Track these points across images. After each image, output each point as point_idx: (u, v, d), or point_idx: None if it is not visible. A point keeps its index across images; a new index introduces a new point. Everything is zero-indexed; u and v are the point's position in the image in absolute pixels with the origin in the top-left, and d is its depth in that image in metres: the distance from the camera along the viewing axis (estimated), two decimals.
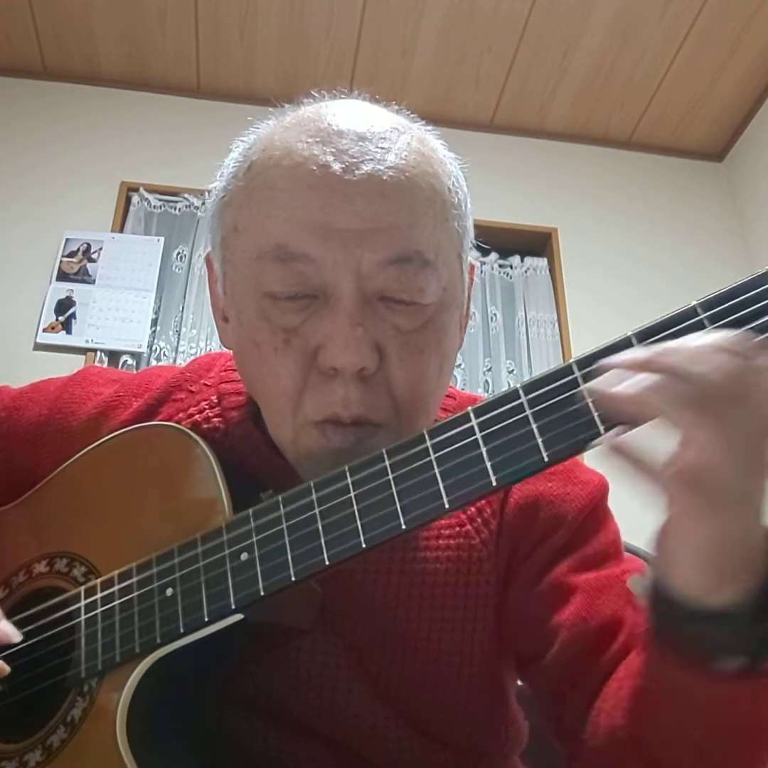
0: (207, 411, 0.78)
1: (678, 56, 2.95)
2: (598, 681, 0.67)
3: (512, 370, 2.82)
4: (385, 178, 0.64)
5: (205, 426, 0.77)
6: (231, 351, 0.75)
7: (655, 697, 0.58)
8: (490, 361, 2.81)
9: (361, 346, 0.62)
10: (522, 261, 3.05)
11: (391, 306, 0.64)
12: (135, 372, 0.97)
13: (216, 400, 0.79)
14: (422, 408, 0.66)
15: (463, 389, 0.79)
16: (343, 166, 0.63)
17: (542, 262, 3.06)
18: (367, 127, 0.66)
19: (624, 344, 0.53)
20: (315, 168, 0.63)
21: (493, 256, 3.01)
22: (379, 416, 0.64)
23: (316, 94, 0.72)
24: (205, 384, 0.81)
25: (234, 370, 0.80)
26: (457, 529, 0.73)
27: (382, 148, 0.65)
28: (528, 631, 0.73)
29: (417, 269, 0.64)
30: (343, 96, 0.72)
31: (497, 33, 2.90)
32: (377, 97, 0.72)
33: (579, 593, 0.70)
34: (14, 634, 0.69)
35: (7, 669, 0.67)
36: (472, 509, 0.73)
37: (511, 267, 3.04)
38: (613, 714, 0.63)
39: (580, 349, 2.85)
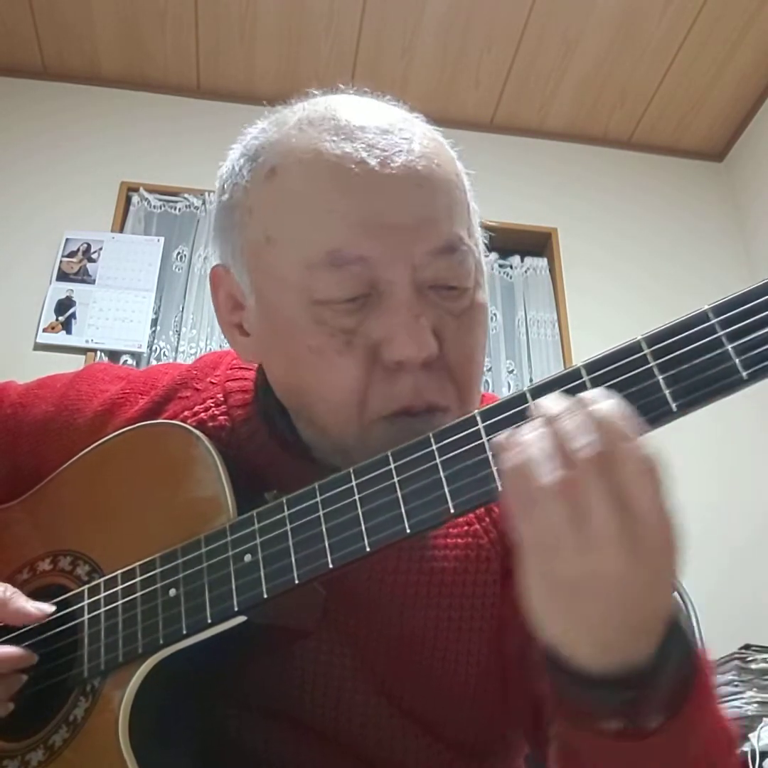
0: (213, 409, 0.78)
1: (678, 56, 2.95)
2: None
3: (512, 370, 2.82)
4: (419, 167, 0.65)
5: (210, 424, 0.76)
6: (252, 363, 0.76)
7: (568, 756, 0.56)
8: (490, 361, 2.80)
9: (425, 336, 0.63)
10: (522, 261, 3.05)
11: (441, 292, 0.66)
12: (141, 369, 0.97)
13: (222, 398, 0.79)
14: (476, 387, 0.69)
15: None
16: (379, 160, 0.63)
17: (542, 262, 3.06)
18: (384, 120, 0.66)
19: (633, 348, 0.52)
20: (353, 166, 0.63)
21: (493, 256, 3.01)
22: (446, 400, 0.65)
23: (300, 96, 0.72)
24: (212, 382, 0.81)
25: (240, 368, 0.80)
26: (465, 528, 0.72)
27: (405, 138, 0.65)
28: (512, 635, 0.71)
29: (462, 255, 0.66)
30: (329, 92, 0.71)
31: (497, 33, 2.90)
32: (368, 90, 0.71)
33: None
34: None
35: (36, 657, 0.68)
36: (481, 508, 0.72)
37: (510, 267, 3.04)
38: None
39: (580, 349, 2.83)
